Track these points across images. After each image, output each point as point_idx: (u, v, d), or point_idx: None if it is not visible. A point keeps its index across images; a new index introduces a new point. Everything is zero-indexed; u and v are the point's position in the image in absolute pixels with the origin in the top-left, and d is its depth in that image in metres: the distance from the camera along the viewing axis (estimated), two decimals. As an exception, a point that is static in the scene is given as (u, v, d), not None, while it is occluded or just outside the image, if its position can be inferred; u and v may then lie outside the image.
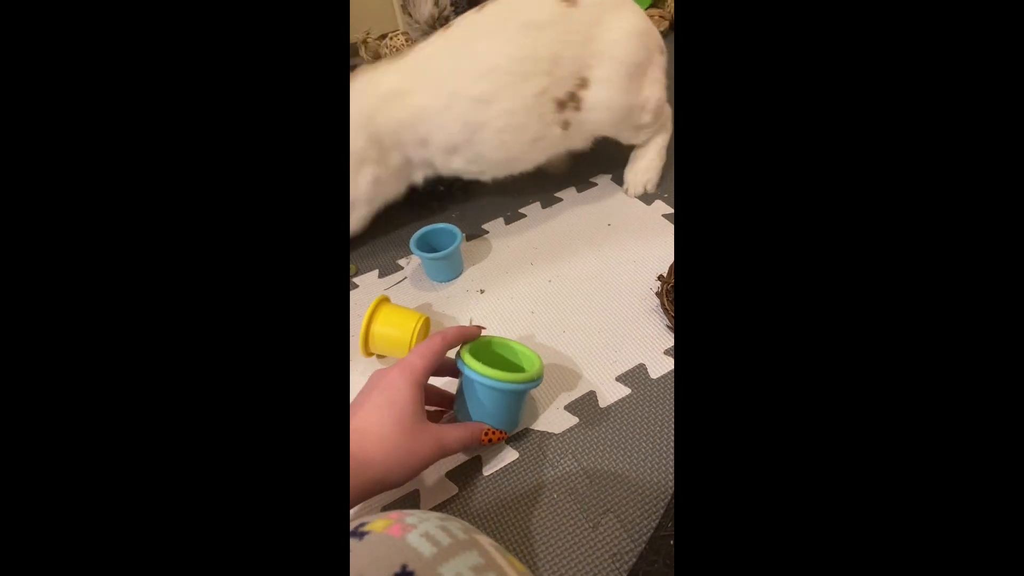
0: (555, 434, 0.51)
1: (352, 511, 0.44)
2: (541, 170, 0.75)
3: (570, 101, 0.64)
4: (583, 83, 0.64)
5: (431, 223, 0.69)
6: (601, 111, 0.66)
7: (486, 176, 0.71)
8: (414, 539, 0.27)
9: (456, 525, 0.29)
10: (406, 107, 0.64)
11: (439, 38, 0.66)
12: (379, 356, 0.60)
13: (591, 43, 0.63)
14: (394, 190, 0.71)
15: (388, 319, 0.57)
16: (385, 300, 0.59)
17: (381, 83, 0.64)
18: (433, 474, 0.50)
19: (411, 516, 0.29)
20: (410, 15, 1.11)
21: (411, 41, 1.16)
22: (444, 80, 0.63)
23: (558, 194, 0.80)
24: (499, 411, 0.47)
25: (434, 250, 0.66)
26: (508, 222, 0.77)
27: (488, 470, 0.50)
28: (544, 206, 0.79)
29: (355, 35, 1.21)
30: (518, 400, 0.48)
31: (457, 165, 0.68)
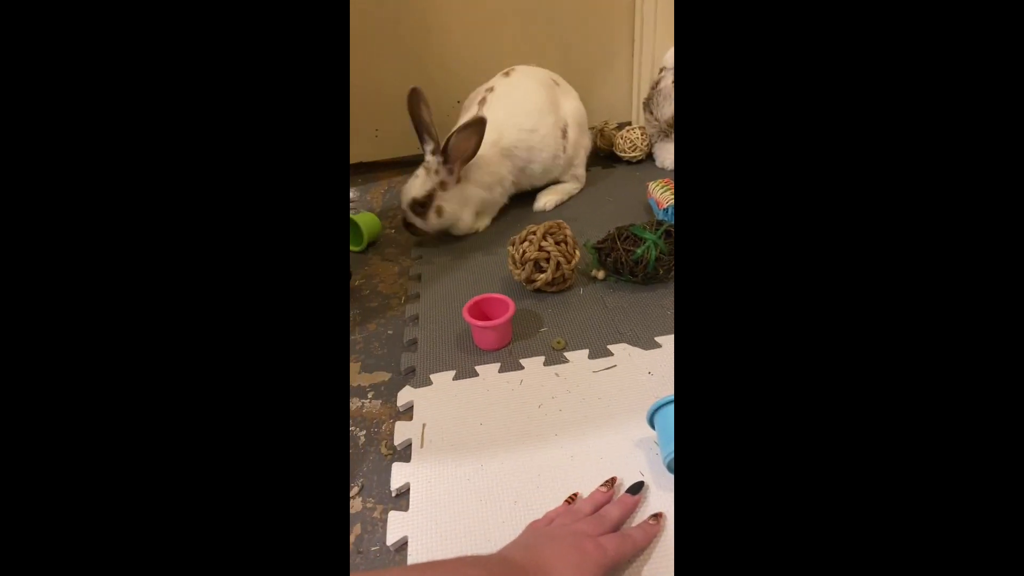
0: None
1: None
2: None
3: (563, 135, 1.11)
4: (566, 126, 1.11)
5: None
6: (571, 147, 1.12)
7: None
8: None
9: None
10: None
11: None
12: None
13: (561, 109, 1.11)
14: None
15: None
16: None
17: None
18: None
19: None
20: (651, 113, 1.19)
21: (646, 136, 1.23)
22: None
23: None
24: None
25: None
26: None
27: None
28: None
29: (594, 121, 1.31)
30: None
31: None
